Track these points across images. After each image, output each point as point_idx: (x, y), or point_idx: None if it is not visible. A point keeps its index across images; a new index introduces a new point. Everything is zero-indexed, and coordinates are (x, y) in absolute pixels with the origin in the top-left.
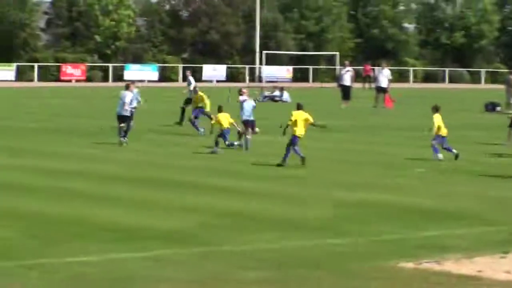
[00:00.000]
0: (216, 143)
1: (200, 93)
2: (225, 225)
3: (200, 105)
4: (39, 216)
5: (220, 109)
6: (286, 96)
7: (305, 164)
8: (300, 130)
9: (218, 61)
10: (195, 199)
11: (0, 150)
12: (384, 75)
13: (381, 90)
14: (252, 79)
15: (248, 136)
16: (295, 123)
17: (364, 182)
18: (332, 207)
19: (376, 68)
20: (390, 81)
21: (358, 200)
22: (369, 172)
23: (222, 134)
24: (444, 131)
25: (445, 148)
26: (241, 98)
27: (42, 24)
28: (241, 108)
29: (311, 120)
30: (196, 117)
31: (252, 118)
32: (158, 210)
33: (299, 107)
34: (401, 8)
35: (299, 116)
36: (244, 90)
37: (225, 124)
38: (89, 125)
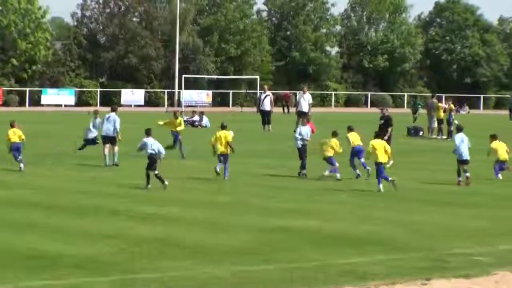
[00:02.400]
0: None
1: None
2: (145, 252)
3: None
4: None
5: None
6: (205, 120)
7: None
8: (223, 148)
9: (137, 85)
10: (114, 225)
11: None
12: (305, 100)
13: (302, 114)
14: (171, 104)
15: None
16: (218, 140)
17: (287, 207)
18: (254, 233)
19: (297, 92)
20: (311, 105)
21: (281, 225)
22: (291, 197)
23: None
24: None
25: None
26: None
27: None
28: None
29: (230, 139)
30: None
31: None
32: (76, 236)
33: (223, 127)
34: (323, 31)
35: (223, 135)
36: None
37: None
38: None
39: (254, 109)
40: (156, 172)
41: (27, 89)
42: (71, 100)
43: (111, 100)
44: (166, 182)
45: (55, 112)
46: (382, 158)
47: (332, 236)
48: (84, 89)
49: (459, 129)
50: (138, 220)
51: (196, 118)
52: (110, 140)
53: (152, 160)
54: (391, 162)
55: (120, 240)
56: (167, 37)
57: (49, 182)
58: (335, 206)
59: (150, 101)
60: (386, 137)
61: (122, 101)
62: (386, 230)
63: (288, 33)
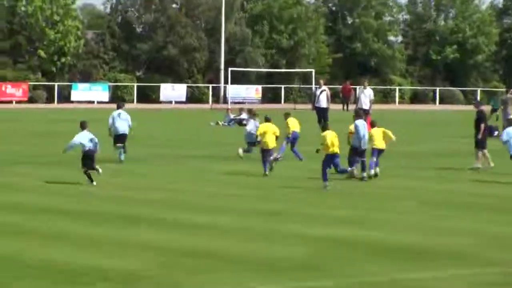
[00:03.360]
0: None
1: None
2: (186, 266)
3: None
4: None
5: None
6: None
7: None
8: (271, 143)
9: (178, 79)
10: (155, 235)
11: None
12: (366, 95)
13: (363, 112)
14: (216, 100)
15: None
16: (263, 135)
17: (345, 216)
18: (308, 244)
19: (357, 87)
20: (372, 102)
21: (337, 236)
22: (351, 205)
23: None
24: None
25: None
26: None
27: None
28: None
29: (277, 133)
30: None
31: None
32: (110, 248)
33: (267, 120)
34: (386, 19)
35: (268, 128)
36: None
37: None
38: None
39: (309, 106)
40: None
41: (56, 84)
42: (105, 96)
43: (148, 96)
44: (95, 183)
45: (86, 109)
46: (380, 144)
47: (394, 248)
48: (119, 84)
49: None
50: (183, 230)
51: (244, 116)
52: (124, 138)
53: (88, 156)
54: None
55: (161, 253)
56: (211, 26)
57: (81, 188)
58: (396, 214)
59: (193, 97)
60: (479, 136)
61: (162, 97)
62: (456, 242)
63: (347, 21)
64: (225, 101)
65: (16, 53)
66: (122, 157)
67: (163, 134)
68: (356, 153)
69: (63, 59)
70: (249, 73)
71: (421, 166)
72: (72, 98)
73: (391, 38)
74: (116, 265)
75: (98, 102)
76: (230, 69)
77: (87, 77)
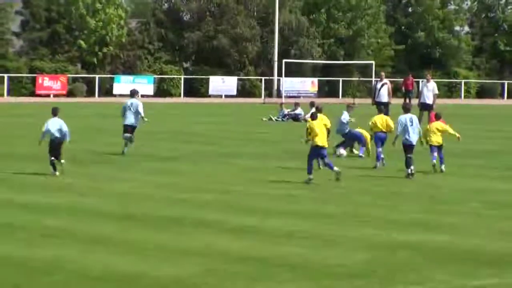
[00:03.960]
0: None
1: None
2: (239, 272)
3: None
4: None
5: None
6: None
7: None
8: (322, 140)
9: (228, 72)
10: (201, 239)
11: None
12: (429, 89)
13: (425, 107)
14: (269, 94)
15: None
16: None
17: (406, 219)
18: (370, 250)
19: (420, 80)
20: (436, 96)
21: (402, 241)
22: (412, 207)
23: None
24: None
25: None
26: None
27: (14, 27)
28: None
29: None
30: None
31: None
32: (155, 253)
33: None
34: (451, 7)
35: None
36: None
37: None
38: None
39: (369, 100)
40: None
41: (97, 76)
42: (150, 89)
43: (196, 90)
44: (57, 173)
45: None
46: (436, 140)
47: (463, 254)
48: (165, 76)
49: None
50: (231, 234)
51: (300, 111)
52: (131, 130)
53: (54, 144)
54: None
55: (209, 259)
56: (264, 14)
57: (121, 188)
58: (467, 218)
59: (244, 90)
60: None
61: (211, 91)
62: None
63: (410, 9)
64: (279, 95)
65: (54, 43)
66: (126, 150)
67: (211, 130)
68: (404, 149)
69: (104, 50)
70: (305, 65)
71: (488, 165)
72: (114, 91)
73: (457, 28)
74: (164, 271)
75: (143, 96)
76: (284, 60)
77: (130, 69)
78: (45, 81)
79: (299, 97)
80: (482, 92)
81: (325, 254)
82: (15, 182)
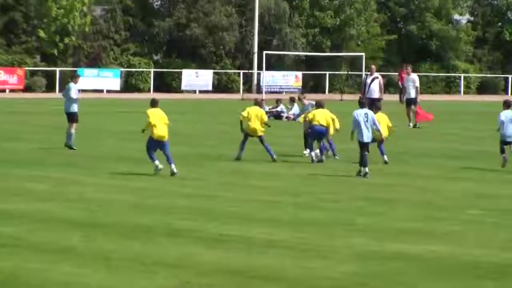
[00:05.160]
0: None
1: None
2: (212, 285)
3: None
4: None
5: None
6: (295, 109)
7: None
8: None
9: (202, 65)
10: (175, 250)
11: None
12: (410, 83)
13: (410, 102)
14: (248, 89)
15: None
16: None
17: (400, 227)
18: (361, 261)
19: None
20: (418, 89)
21: (395, 251)
22: (406, 214)
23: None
24: None
25: None
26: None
27: None
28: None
29: (265, 119)
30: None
31: None
32: (125, 265)
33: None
34: None
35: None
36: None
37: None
38: (29, 150)
39: (358, 96)
40: None
41: (57, 69)
42: (116, 83)
43: (168, 84)
44: None
45: (94, 99)
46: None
47: (463, 265)
48: (133, 70)
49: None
50: (207, 243)
51: (282, 107)
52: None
53: None
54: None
55: (182, 270)
56: (243, 1)
57: (86, 193)
58: (467, 226)
59: (221, 85)
60: None
61: (183, 86)
62: None
63: None
64: (259, 90)
65: (10, 33)
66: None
67: (185, 130)
68: (360, 147)
69: (66, 40)
70: (287, 57)
71: (489, 168)
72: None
73: (456, 16)
74: (134, 285)
75: (108, 91)
76: (264, 52)
77: (95, 61)
78: (0, 75)
79: (281, 92)
80: (484, 87)
81: (310, 265)
82: None
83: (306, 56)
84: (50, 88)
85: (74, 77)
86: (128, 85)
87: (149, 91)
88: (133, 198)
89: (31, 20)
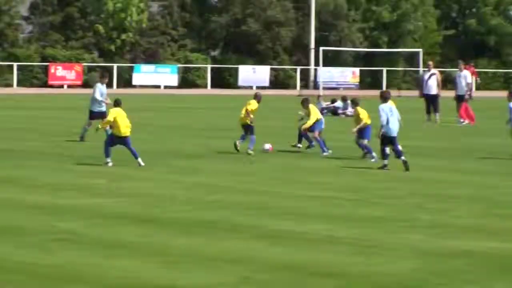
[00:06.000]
0: None
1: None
2: (277, 282)
3: None
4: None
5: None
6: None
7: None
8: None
9: (259, 61)
10: (235, 245)
11: None
12: (462, 79)
13: (461, 99)
14: (305, 85)
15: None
16: None
17: (459, 224)
18: (422, 259)
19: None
20: (470, 86)
21: (459, 248)
22: (465, 210)
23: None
24: None
25: None
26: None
27: (23, 10)
28: None
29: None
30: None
31: None
32: (182, 260)
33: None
34: None
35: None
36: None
37: None
38: (87, 146)
39: (416, 92)
40: None
41: (115, 65)
42: (173, 79)
43: (225, 80)
44: None
45: (151, 95)
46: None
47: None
48: (191, 66)
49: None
50: (267, 239)
51: (339, 103)
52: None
53: None
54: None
55: (244, 266)
56: None
57: (143, 188)
58: None
59: (278, 81)
60: None
61: (240, 81)
62: None
63: None
64: (316, 86)
65: (68, 28)
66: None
67: (239, 125)
68: (384, 141)
69: (123, 36)
70: (344, 53)
71: None
72: (134, 82)
73: None
74: (194, 280)
75: (166, 87)
76: (321, 48)
77: (152, 57)
78: (58, 71)
79: (338, 88)
80: None
81: (370, 262)
82: (25, 181)
83: (363, 52)
84: (107, 84)
85: (102, 77)
86: (186, 81)
87: (206, 87)
88: (190, 194)
89: (88, 16)
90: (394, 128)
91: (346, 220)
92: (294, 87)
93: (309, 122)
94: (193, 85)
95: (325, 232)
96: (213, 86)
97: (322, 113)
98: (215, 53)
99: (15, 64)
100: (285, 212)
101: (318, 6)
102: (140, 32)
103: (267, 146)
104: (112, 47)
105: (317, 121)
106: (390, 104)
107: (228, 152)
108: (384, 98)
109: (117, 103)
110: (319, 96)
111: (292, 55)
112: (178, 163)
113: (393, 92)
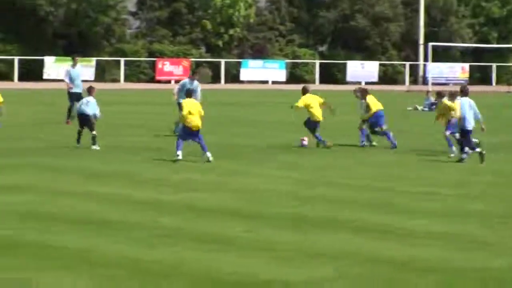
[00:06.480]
0: None
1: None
2: (371, 276)
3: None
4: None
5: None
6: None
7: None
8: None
9: (368, 56)
10: (335, 240)
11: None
12: None
13: None
14: (414, 80)
15: None
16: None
17: None
18: None
19: None
20: None
21: None
22: None
23: None
24: None
25: None
26: None
27: (130, 5)
28: None
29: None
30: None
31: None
32: (282, 255)
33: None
34: None
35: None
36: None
37: None
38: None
39: None
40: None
41: (223, 61)
42: (281, 75)
43: (333, 76)
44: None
45: (259, 90)
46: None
47: None
48: (298, 61)
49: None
50: (367, 234)
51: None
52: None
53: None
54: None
55: (342, 261)
56: None
57: (249, 183)
58: None
59: (386, 76)
60: None
61: (348, 77)
62: None
63: None
64: (425, 82)
65: (175, 24)
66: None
67: (349, 122)
68: (462, 134)
69: (231, 31)
70: (454, 48)
71: None
72: (242, 77)
73: None
74: (293, 275)
75: (273, 82)
76: (430, 44)
77: (260, 53)
78: (166, 66)
79: (448, 84)
80: None
81: (467, 257)
82: (131, 176)
83: (472, 47)
84: (215, 79)
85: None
86: (293, 76)
87: (314, 82)
88: (295, 189)
89: (196, 11)
90: (471, 122)
91: (444, 215)
92: (403, 83)
93: (370, 113)
94: (301, 80)
95: (425, 228)
96: (321, 81)
97: (431, 109)
98: (323, 48)
99: (122, 60)
100: (386, 207)
101: (427, 2)
102: (247, 27)
103: (304, 141)
104: (220, 43)
105: (377, 113)
106: (469, 99)
107: (336, 146)
108: (464, 93)
109: (188, 93)
110: (428, 91)
111: (401, 50)
112: (285, 158)
113: (503, 88)
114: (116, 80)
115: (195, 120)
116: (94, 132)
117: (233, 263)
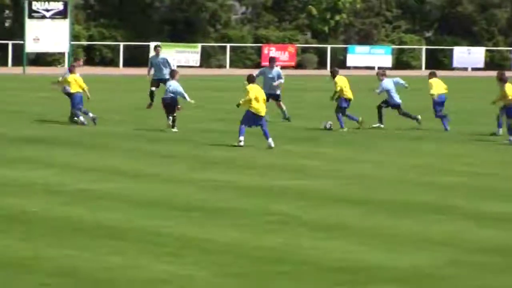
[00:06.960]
0: None
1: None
2: (483, 264)
3: None
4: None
5: None
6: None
7: None
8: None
9: (474, 42)
10: (444, 227)
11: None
12: None
13: None
14: None
15: None
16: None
17: None
18: None
19: None
20: None
21: None
22: None
23: None
24: None
25: None
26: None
27: None
28: None
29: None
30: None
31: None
32: (390, 241)
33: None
34: None
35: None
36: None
37: None
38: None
39: None
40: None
41: (329, 46)
42: (387, 60)
43: (439, 62)
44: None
45: (365, 76)
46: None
47: None
48: (405, 47)
49: None
50: (477, 220)
51: None
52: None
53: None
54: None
55: (452, 248)
56: None
57: (363, 170)
58: None
59: (493, 63)
60: None
61: (455, 63)
62: None
63: None
64: None
65: (280, 9)
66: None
67: (459, 109)
68: None
69: (337, 17)
70: None
71: None
72: (348, 63)
73: None
74: (402, 262)
75: (379, 68)
76: None
77: (366, 39)
78: (272, 52)
79: None
80: None
81: None
82: (240, 161)
83: None
84: (321, 65)
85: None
86: (400, 62)
87: (420, 68)
88: (410, 175)
89: None
90: None
91: None
92: (510, 69)
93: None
94: (407, 66)
95: None
96: (427, 67)
97: None
98: (429, 34)
99: (228, 45)
100: (500, 195)
101: None
102: (354, 13)
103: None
104: (326, 28)
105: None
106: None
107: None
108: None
109: (251, 79)
110: None
111: (507, 36)
112: (397, 144)
113: None
114: (222, 66)
115: (260, 106)
116: (174, 115)
117: (341, 249)
